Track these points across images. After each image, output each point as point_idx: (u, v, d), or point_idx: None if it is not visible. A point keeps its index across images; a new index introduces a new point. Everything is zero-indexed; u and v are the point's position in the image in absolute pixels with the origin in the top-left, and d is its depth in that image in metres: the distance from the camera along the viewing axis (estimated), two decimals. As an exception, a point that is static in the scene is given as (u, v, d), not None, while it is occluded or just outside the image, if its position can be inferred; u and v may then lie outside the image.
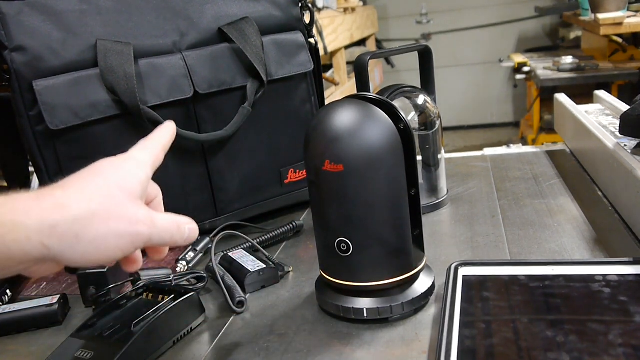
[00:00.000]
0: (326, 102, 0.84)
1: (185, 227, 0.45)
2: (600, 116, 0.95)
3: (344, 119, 0.51)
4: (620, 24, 2.14)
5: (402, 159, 0.53)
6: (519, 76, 3.14)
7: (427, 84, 0.85)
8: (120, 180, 0.42)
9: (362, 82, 0.76)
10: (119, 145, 0.71)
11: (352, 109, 0.52)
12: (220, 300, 0.63)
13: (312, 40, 0.86)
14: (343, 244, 0.53)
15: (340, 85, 2.65)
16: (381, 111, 0.52)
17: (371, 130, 0.51)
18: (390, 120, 0.52)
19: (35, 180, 0.84)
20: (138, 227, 0.41)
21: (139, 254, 0.46)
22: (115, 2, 0.72)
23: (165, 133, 0.50)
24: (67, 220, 0.38)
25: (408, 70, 4.25)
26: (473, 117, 4.48)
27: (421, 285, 0.56)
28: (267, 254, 0.70)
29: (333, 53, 2.74)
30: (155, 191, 0.49)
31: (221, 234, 0.72)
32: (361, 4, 3.58)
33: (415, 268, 0.55)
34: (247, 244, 0.72)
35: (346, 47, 2.96)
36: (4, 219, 0.36)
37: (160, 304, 0.55)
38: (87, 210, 0.39)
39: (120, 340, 0.51)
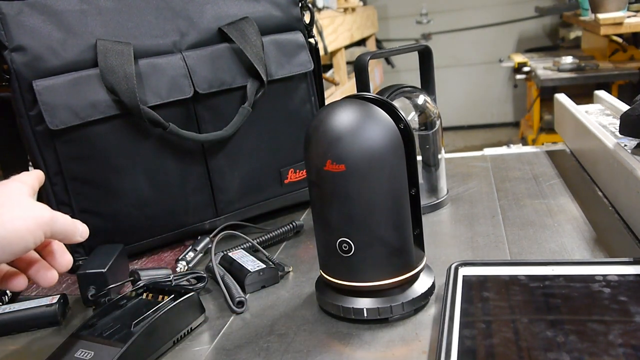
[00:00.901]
0: (326, 102, 0.84)
1: (78, 222, 0.51)
2: (600, 116, 0.95)
3: (345, 118, 0.51)
4: (620, 24, 2.14)
5: (403, 159, 0.53)
6: (519, 76, 3.14)
7: (427, 84, 0.85)
8: (11, 188, 0.49)
9: (362, 82, 0.76)
10: (119, 145, 0.71)
11: (353, 109, 0.52)
12: (220, 300, 0.63)
13: (312, 40, 0.86)
14: (345, 244, 0.53)
15: (340, 85, 2.65)
16: (382, 111, 0.52)
17: (372, 130, 0.51)
18: (392, 120, 0.52)
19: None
20: (40, 211, 0.47)
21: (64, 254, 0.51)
22: (115, 2, 0.72)
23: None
24: None
25: (408, 70, 4.25)
26: (473, 117, 4.48)
27: (421, 285, 0.56)
28: (267, 254, 0.70)
29: (333, 53, 2.74)
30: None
31: (221, 234, 0.72)
32: (361, 4, 3.59)
33: (416, 268, 0.55)
34: (247, 244, 0.72)
35: (346, 47, 2.96)
36: None
37: (160, 304, 0.55)
38: None
39: (120, 340, 0.51)
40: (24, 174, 0.54)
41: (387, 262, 0.54)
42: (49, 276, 0.50)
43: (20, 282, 0.50)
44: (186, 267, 0.71)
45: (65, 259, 0.52)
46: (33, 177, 0.54)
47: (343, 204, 0.52)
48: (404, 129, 0.53)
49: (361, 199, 0.52)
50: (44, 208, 0.48)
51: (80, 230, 0.51)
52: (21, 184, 0.50)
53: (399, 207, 0.53)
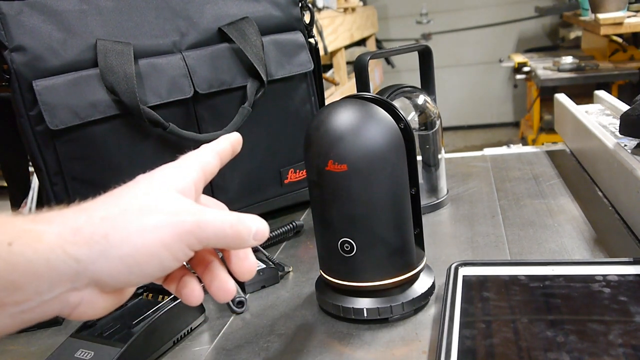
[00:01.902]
0: (326, 102, 0.84)
1: (249, 221, 0.37)
2: (600, 116, 0.95)
3: (346, 118, 0.51)
4: (620, 24, 2.14)
5: (404, 158, 0.53)
6: (519, 76, 3.14)
7: (427, 84, 0.85)
8: (154, 179, 0.36)
9: (362, 82, 0.76)
10: (119, 145, 0.71)
11: (354, 109, 0.52)
12: (220, 300, 0.63)
13: (312, 40, 0.86)
14: (346, 244, 0.53)
15: (340, 85, 2.65)
16: (383, 110, 0.52)
17: (374, 130, 0.51)
18: (392, 120, 0.52)
19: (35, 180, 0.84)
20: (180, 216, 0.34)
21: (195, 284, 0.38)
22: (115, 2, 0.72)
23: (224, 141, 0.44)
24: (93, 221, 0.33)
25: (408, 70, 4.25)
26: (473, 117, 4.48)
27: (421, 285, 0.56)
28: (267, 254, 0.70)
29: (333, 53, 2.74)
30: (213, 204, 0.42)
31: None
32: (361, 4, 3.58)
33: (416, 268, 0.55)
34: (247, 244, 0.72)
35: (346, 47, 2.96)
36: (24, 227, 0.32)
37: (160, 304, 0.55)
38: (116, 209, 0.34)
39: (120, 340, 0.51)
40: (196, 151, 0.40)
41: (388, 262, 0.54)
42: (223, 289, 0.38)
43: (193, 295, 0.38)
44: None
45: (245, 266, 0.39)
46: (205, 151, 0.40)
47: (345, 204, 0.52)
48: (405, 129, 0.53)
49: (363, 198, 0.52)
50: (187, 210, 0.35)
51: (252, 231, 0.37)
52: (172, 171, 0.37)
53: (400, 206, 0.53)
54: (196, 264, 0.39)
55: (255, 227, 0.37)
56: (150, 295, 0.58)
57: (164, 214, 0.34)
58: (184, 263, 0.37)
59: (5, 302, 0.31)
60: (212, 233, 0.35)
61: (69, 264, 0.32)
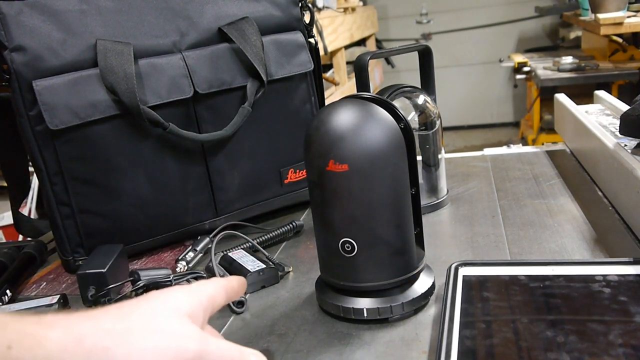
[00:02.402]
0: (326, 102, 0.84)
1: (250, 356, 0.38)
2: (600, 116, 0.95)
3: (347, 118, 0.51)
4: (620, 24, 2.14)
5: (405, 158, 0.53)
6: (519, 76, 3.14)
7: (427, 84, 0.85)
8: (166, 299, 0.37)
9: (362, 82, 0.76)
10: (119, 145, 0.71)
11: (354, 109, 0.52)
12: (220, 300, 0.63)
13: (312, 40, 0.86)
14: (347, 245, 0.53)
15: (340, 85, 2.65)
16: (383, 110, 0.52)
17: (375, 130, 0.51)
18: (393, 119, 0.52)
19: (35, 180, 0.84)
20: (185, 342, 0.34)
21: None
22: (115, 2, 0.72)
23: (234, 280, 0.44)
24: (97, 332, 0.33)
25: (408, 70, 4.25)
26: (473, 117, 4.48)
27: (421, 285, 0.56)
28: (267, 254, 0.70)
29: (333, 53, 2.74)
30: (216, 334, 0.43)
31: (221, 234, 0.72)
32: (361, 4, 3.58)
33: (417, 268, 0.55)
34: (247, 244, 0.72)
35: (346, 47, 2.96)
36: (27, 329, 0.31)
37: (160, 304, 0.55)
38: (123, 324, 0.33)
39: (120, 340, 0.51)
40: (207, 281, 0.41)
41: (389, 262, 0.54)
42: None
43: None
44: (186, 267, 0.71)
45: None
46: (217, 284, 0.41)
47: (346, 204, 0.52)
48: (405, 129, 0.53)
49: (364, 198, 0.52)
50: (192, 337, 0.35)
51: None
52: (184, 296, 0.38)
53: (401, 206, 0.53)
54: None
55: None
56: (150, 295, 0.58)
57: (168, 336, 0.34)
58: None
59: None
60: None
61: None
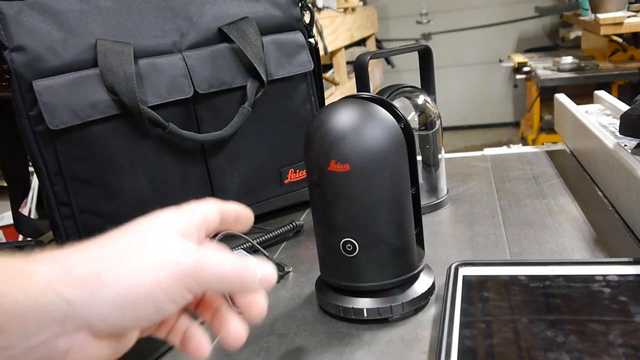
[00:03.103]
0: (326, 102, 0.84)
1: (254, 266, 0.35)
2: (600, 116, 0.95)
3: (348, 118, 0.51)
4: (620, 24, 2.14)
5: (405, 157, 0.53)
6: (519, 76, 3.14)
7: (427, 84, 0.85)
8: (155, 220, 0.35)
9: (362, 82, 0.76)
10: (119, 145, 0.71)
11: (355, 109, 0.52)
12: (220, 300, 0.63)
13: (312, 40, 0.86)
14: (349, 245, 0.53)
15: (340, 85, 2.65)
16: (383, 109, 0.52)
17: (375, 129, 0.51)
18: (393, 119, 0.52)
19: (35, 180, 0.84)
20: (177, 257, 0.32)
21: (201, 336, 0.37)
22: (115, 2, 0.72)
23: (232, 205, 0.41)
24: (86, 261, 0.31)
25: (408, 70, 4.26)
26: (473, 117, 4.48)
27: (421, 285, 0.56)
28: (267, 254, 0.70)
29: (333, 53, 2.74)
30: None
31: (221, 234, 0.72)
32: (361, 4, 3.58)
33: (417, 267, 0.55)
34: (247, 244, 0.72)
35: (346, 47, 2.96)
36: (13, 266, 0.30)
37: (160, 304, 0.55)
38: (111, 249, 0.32)
39: (120, 340, 0.51)
40: (200, 202, 0.38)
41: (390, 262, 0.54)
42: (233, 334, 0.36)
43: (200, 348, 0.36)
44: (186, 267, 0.71)
45: (254, 308, 0.36)
46: (211, 205, 0.38)
47: (347, 204, 0.52)
48: (405, 128, 0.53)
49: (365, 198, 0.52)
50: (186, 252, 0.33)
51: (258, 276, 0.35)
52: (173, 216, 0.36)
53: (402, 205, 0.53)
54: (203, 310, 0.38)
55: (262, 272, 0.35)
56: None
57: (160, 254, 0.32)
58: (191, 315, 0.36)
59: None
60: (213, 275, 0.33)
61: (59, 306, 0.30)
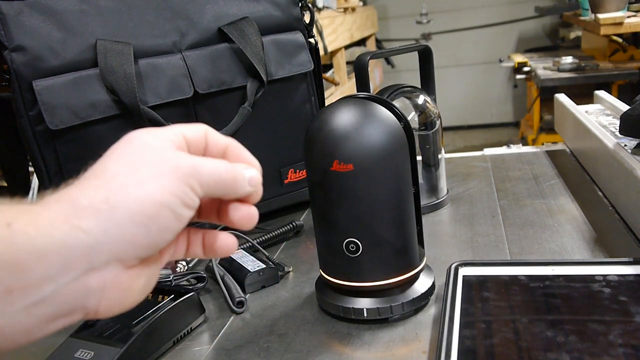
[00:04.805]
0: (326, 102, 0.84)
1: (241, 167, 0.37)
2: (600, 116, 0.95)
3: (350, 118, 0.51)
4: (620, 24, 2.14)
5: (407, 156, 0.53)
6: (519, 76, 3.14)
7: (427, 84, 0.85)
8: (137, 142, 0.34)
9: (362, 82, 0.76)
10: (119, 145, 0.71)
11: (355, 108, 0.52)
12: (220, 300, 0.63)
13: (312, 40, 0.86)
14: (352, 245, 0.53)
15: (340, 85, 2.65)
16: (384, 109, 0.52)
17: (378, 129, 0.51)
18: (395, 118, 0.52)
19: (35, 180, 0.84)
20: (175, 161, 0.33)
21: (221, 233, 0.38)
22: (115, 2, 0.72)
23: (223, 137, 0.40)
24: (87, 192, 0.31)
25: (408, 70, 4.25)
26: (473, 117, 4.48)
27: (421, 285, 0.56)
28: (267, 254, 0.70)
29: (333, 53, 2.74)
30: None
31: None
32: (361, 4, 3.58)
33: (418, 267, 0.55)
34: (247, 244, 0.72)
35: (346, 47, 2.96)
36: (22, 208, 0.30)
37: (160, 304, 0.55)
38: (105, 174, 0.32)
39: (120, 340, 0.51)
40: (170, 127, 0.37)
41: (393, 261, 0.54)
42: (225, 242, 0.38)
43: (227, 242, 0.38)
44: (186, 267, 0.71)
45: (244, 213, 0.38)
46: (189, 127, 0.37)
47: (351, 204, 0.52)
48: (405, 127, 0.53)
49: (369, 198, 0.51)
50: (180, 156, 0.34)
51: (246, 176, 0.37)
52: (156, 129, 0.35)
53: (405, 204, 0.53)
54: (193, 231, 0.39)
55: (249, 173, 0.37)
56: (150, 295, 0.58)
57: (157, 163, 0.32)
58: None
59: (13, 287, 0.28)
60: (209, 176, 0.34)
61: (79, 238, 0.29)
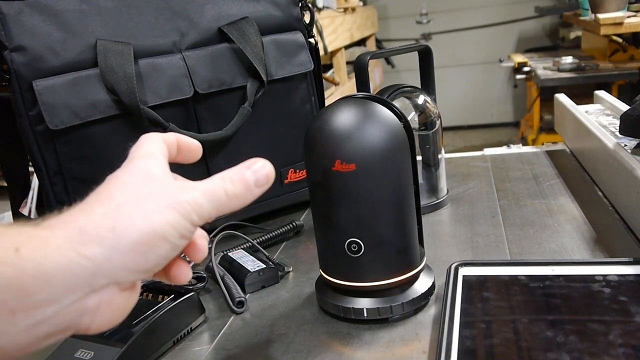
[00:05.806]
0: (326, 102, 0.84)
1: (244, 174, 0.39)
2: (600, 116, 0.95)
3: (351, 118, 0.51)
4: (620, 24, 2.14)
5: (408, 155, 0.53)
6: (519, 76, 3.14)
7: (427, 84, 0.85)
8: (141, 170, 0.37)
9: (362, 82, 0.76)
10: (119, 145, 0.71)
11: (356, 108, 0.52)
12: (220, 300, 0.63)
13: (312, 40, 0.86)
14: (354, 245, 0.53)
15: (340, 85, 2.65)
16: (384, 109, 0.52)
17: (379, 128, 0.51)
18: (395, 117, 0.52)
19: (35, 180, 0.84)
20: (178, 196, 0.35)
21: (202, 241, 0.40)
22: (115, 2, 0.72)
23: (187, 138, 0.45)
24: (93, 219, 0.32)
25: (408, 70, 4.25)
26: (473, 117, 4.48)
27: (421, 285, 0.56)
28: (267, 254, 0.70)
29: (333, 53, 2.74)
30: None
31: (221, 234, 0.72)
32: (361, 4, 3.58)
33: (418, 266, 0.55)
34: (247, 244, 0.72)
35: (346, 47, 2.96)
36: (29, 232, 0.31)
37: (160, 304, 0.55)
38: (111, 203, 0.34)
39: (120, 340, 0.51)
40: (152, 137, 0.41)
41: (393, 261, 0.54)
42: (184, 271, 0.39)
43: (198, 249, 0.39)
44: (186, 267, 0.71)
45: (199, 249, 0.40)
46: (165, 138, 0.41)
47: (352, 204, 0.52)
48: (405, 127, 0.53)
49: (371, 197, 0.51)
50: (183, 189, 0.36)
51: (252, 181, 0.39)
52: (149, 160, 0.38)
53: (406, 204, 0.53)
54: None
55: (254, 176, 0.39)
56: (150, 295, 0.58)
57: (160, 197, 0.34)
58: None
59: (16, 309, 0.29)
60: (210, 204, 0.36)
61: (84, 265, 0.31)
